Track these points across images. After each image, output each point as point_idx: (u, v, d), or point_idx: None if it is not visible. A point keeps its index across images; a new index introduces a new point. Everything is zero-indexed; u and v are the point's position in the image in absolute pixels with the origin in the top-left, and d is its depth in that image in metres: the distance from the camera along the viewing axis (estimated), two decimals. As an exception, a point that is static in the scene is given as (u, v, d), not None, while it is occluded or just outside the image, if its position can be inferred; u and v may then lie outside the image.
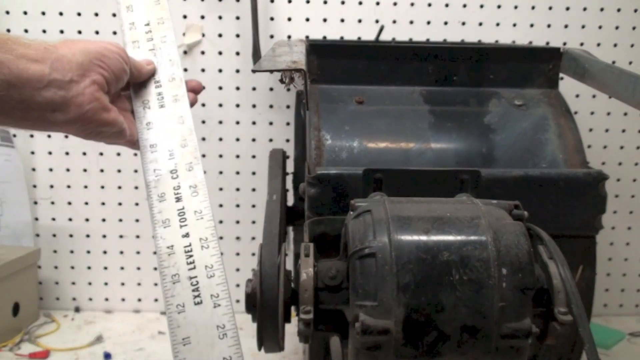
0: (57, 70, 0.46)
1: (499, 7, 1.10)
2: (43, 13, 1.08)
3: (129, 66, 0.53)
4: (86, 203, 1.16)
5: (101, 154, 1.14)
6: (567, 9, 1.10)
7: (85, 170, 1.15)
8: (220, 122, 1.13)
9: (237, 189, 1.16)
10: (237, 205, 1.16)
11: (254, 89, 1.12)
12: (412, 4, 1.09)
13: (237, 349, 0.43)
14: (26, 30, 1.09)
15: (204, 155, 1.14)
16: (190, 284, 0.45)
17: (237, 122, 1.13)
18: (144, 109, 0.54)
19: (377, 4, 1.09)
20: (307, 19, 1.09)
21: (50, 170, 1.15)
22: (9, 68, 0.43)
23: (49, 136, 1.13)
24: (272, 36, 1.10)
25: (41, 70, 0.45)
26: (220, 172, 1.15)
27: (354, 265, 0.48)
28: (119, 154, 1.13)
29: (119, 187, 1.15)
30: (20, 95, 0.45)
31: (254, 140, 1.14)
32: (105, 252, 1.19)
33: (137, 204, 1.16)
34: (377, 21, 1.09)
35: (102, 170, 1.15)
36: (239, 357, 0.43)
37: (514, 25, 1.11)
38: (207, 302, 0.44)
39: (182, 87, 0.56)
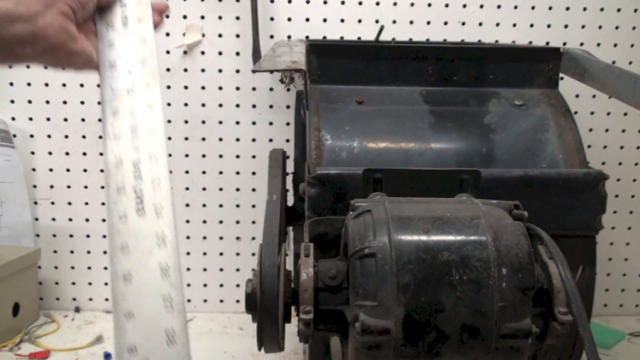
0: (22, 4, 0.46)
1: (499, 7, 1.10)
2: (43, 13, 1.08)
3: None
4: (86, 203, 1.16)
5: (101, 154, 1.14)
6: (567, 9, 1.10)
7: (85, 171, 1.15)
8: (220, 122, 1.13)
9: (237, 189, 1.16)
10: (237, 206, 1.16)
11: (254, 89, 1.12)
12: (412, 4, 1.09)
13: (175, 258, 0.42)
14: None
15: (203, 155, 1.14)
16: (135, 195, 0.44)
17: (237, 122, 1.13)
18: (107, 29, 0.53)
19: (377, 4, 1.09)
20: (307, 19, 1.09)
21: (50, 170, 1.15)
22: None
23: (49, 136, 1.13)
24: (272, 36, 1.10)
25: (6, 7, 0.45)
26: (221, 172, 1.15)
27: (354, 265, 0.48)
28: (119, 154, 1.13)
29: (119, 187, 1.15)
30: None
31: (254, 140, 1.14)
32: (105, 252, 1.19)
33: (137, 204, 1.16)
34: (377, 21, 1.09)
35: (102, 171, 1.14)
36: (176, 265, 0.42)
37: (514, 25, 1.11)
38: (150, 212, 0.43)
39: (147, 9, 0.54)
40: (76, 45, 0.49)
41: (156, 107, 0.48)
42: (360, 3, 1.09)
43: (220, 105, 1.13)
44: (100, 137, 1.13)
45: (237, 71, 1.11)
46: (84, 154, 1.14)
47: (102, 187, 1.19)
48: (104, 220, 1.18)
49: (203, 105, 1.13)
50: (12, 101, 1.12)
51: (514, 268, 0.46)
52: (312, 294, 0.50)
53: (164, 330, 0.41)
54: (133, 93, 0.49)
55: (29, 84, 1.11)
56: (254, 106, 1.13)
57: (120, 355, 0.41)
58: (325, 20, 1.10)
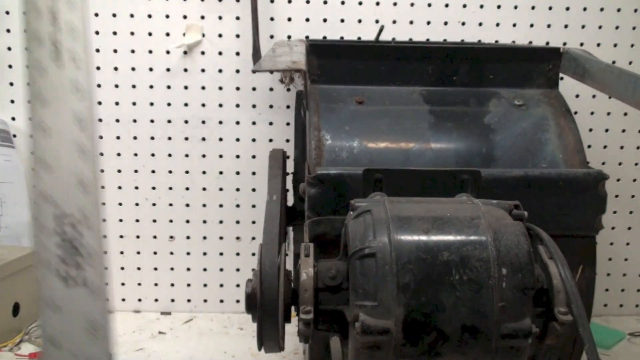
0: None
1: (499, 7, 1.10)
2: (43, 13, 1.08)
3: None
4: None
5: (101, 154, 1.14)
6: (567, 9, 1.10)
7: (85, 171, 1.15)
8: (220, 122, 1.13)
9: (237, 189, 1.16)
10: (237, 206, 1.16)
11: (254, 89, 1.12)
12: (412, 4, 1.09)
13: (91, 107, 0.41)
14: (26, 30, 1.09)
15: (203, 155, 1.14)
16: (54, 46, 0.43)
17: (237, 122, 1.13)
18: None
19: (377, 4, 1.09)
20: (307, 19, 1.09)
21: (50, 170, 1.15)
22: None
23: (49, 136, 1.13)
24: (272, 36, 1.10)
25: None
26: (221, 172, 1.15)
27: (354, 265, 0.48)
28: (119, 154, 1.13)
29: (119, 188, 1.15)
30: None
31: (254, 140, 1.14)
32: (105, 253, 1.19)
33: (137, 204, 1.16)
34: (377, 21, 1.09)
35: (102, 171, 1.14)
36: (90, 112, 0.41)
37: (514, 25, 1.11)
38: (67, 62, 0.42)
39: None
40: None
41: None
42: (360, 3, 1.09)
43: (220, 105, 1.13)
44: (101, 137, 1.13)
45: (237, 71, 1.11)
46: (84, 154, 1.14)
47: (102, 187, 1.20)
48: (104, 220, 1.18)
49: (203, 105, 1.13)
50: (12, 101, 1.12)
51: (514, 268, 0.46)
52: (312, 294, 0.50)
53: (77, 180, 0.41)
54: None
55: (29, 84, 1.11)
56: (254, 106, 1.13)
57: (38, 204, 0.41)
58: (325, 20, 1.10)
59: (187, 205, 1.15)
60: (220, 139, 1.14)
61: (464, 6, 1.10)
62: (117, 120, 1.13)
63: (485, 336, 0.46)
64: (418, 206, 0.52)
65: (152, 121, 1.13)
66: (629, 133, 1.15)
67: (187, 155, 1.14)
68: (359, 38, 1.10)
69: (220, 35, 1.10)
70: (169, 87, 1.12)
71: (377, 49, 0.83)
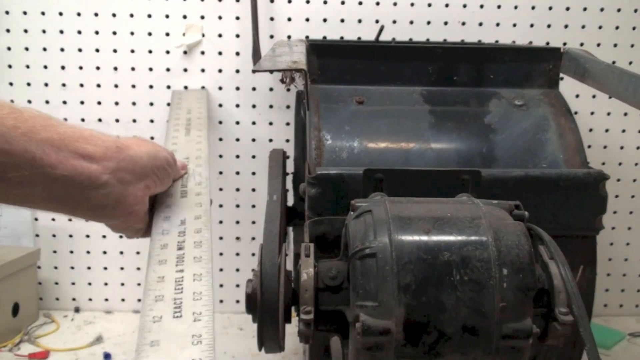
0: (120, 171, 0.47)
1: (499, 7, 1.10)
2: (43, 13, 1.08)
3: (172, 179, 0.57)
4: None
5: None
6: (567, 9, 1.10)
7: (85, 171, 1.15)
8: (220, 123, 1.13)
9: (237, 189, 1.16)
10: (237, 206, 1.16)
11: (254, 89, 1.12)
12: (412, 4, 1.09)
13: (210, 354, 0.41)
14: (26, 31, 1.09)
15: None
16: (174, 303, 0.44)
17: (237, 122, 1.13)
18: (167, 197, 0.58)
19: (377, 4, 1.09)
20: (307, 19, 1.09)
21: (50, 170, 1.15)
22: (64, 167, 0.43)
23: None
24: (272, 36, 1.10)
25: (102, 169, 0.46)
26: (220, 172, 1.15)
27: (355, 266, 0.48)
28: (118, 154, 1.13)
29: (119, 187, 1.15)
30: (78, 191, 0.45)
31: (254, 140, 1.14)
32: (105, 252, 1.19)
33: (137, 204, 1.16)
34: (377, 21, 1.09)
35: (102, 171, 1.14)
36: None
37: (514, 25, 1.11)
38: (187, 317, 0.43)
39: (206, 187, 0.61)
40: (145, 217, 0.53)
41: (205, 245, 0.51)
42: (360, 3, 1.09)
43: (220, 105, 1.13)
44: (100, 137, 1.13)
45: (237, 71, 1.11)
46: (84, 154, 1.14)
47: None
48: (103, 220, 1.18)
49: (203, 105, 1.13)
50: (12, 101, 1.11)
51: (514, 268, 0.46)
52: (313, 294, 0.50)
53: None
54: (184, 235, 0.52)
55: (28, 84, 1.11)
56: (254, 106, 1.13)
57: None
58: (325, 20, 1.10)
59: (187, 205, 1.15)
60: (221, 139, 1.14)
61: (464, 6, 1.10)
62: (117, 120, 1.13)
63: (486, 336, 0.46)
64: (419, 206, 0.52)
65: (152, 121, 1.13)
66: (629, 133, 1.15)
67: (187, 155, 1.14)
68: (359, 38, 1.10)
69: (220, 35, 1.10)
70: (169, 87, 1.12)
71: (377, 49, 0.83)
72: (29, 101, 1.11)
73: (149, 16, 1.09)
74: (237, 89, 1.12)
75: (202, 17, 1.09)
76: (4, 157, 0.40)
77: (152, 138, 1.13)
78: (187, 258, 0.49)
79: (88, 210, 0.47)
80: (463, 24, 1.10)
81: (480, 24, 1.11)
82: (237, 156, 1.14)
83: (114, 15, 1.08)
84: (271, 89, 1.12)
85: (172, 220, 0.54)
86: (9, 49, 1.09)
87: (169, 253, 0.50)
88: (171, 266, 0.48)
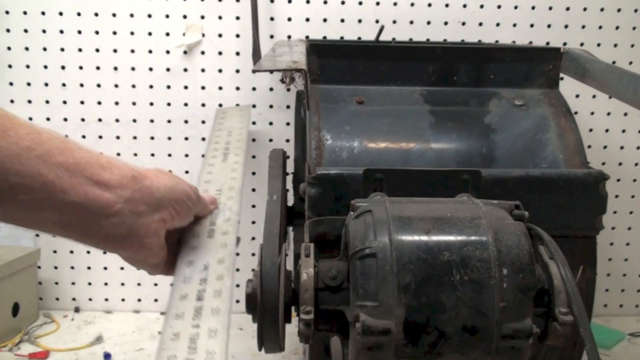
0: (134, 201, 0.46)
1: (499, 7, 1.10)
2: (43, 13, 1.08)
3: (195, 212, 0.55)
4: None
5: (101, 154, 1.14)
6: (567, 9, 1.10)
7: (85, 171, 1.15)
8: (220, 122, 1.13)
9: (237, 189, 1.15)
10: (237, 206, 1.16)
11: (254, 89, 1.12)
12: (412, 4, 1.09)
13: None
14: (26, 31, 1.09)
15: (204, 155, 1.14)
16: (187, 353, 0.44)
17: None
18: (192, 237, 0.56)
19: (377, 4, 1.09)
20: (307, 19, 1.09)
21: (50, 170, 1.15)
22: (76, 192, 0.42)
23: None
24: (272, 36, 1.10)
25: (115, 197, 0.45)
26: (220, 172, 1.15)
27: (355, 266, 0.48)
28: (119, 154, 1.13)
29: (119, 187, 1.15)
30: (89, 219, 0.44)
31: (254, 140, 1.14)
32: (105, 252, 1.19)
33: (137, 204, 1.16)
34: (377, 21, 1.09)
35: (102, 171, 1.14)
36: None
37: (514, 25, 1.11)
38: (201, 355, 0.43)
39: (234, 225, 0.60)
40: (159, 251, 0.51)
41: (224, 294, 0.50)
42: (360, 3, 1.09)
43: (220, 105, 1.13)
44: (101, 137, 1.13)
45: (237, 71, 1.11)
46: (84, 154, 1.14)
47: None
48: (103, 220, 1.18)
49: (203, 105, 1.13)
50: (12, 101, 1.12)
51: (514, 268, 0.46)
52: (313, 294, 0.50)
53: None
54: (205, 283, 0.51)
55: (28, 84, 1.11)
56: (254, 106, 1.13)
57: None
58: (325, 20, 1.10)
59: (187, 205, 1.15)
60: (220, 139, 1.14)
61: (464, 6, 1.10)
62: (117, 120, 1.13)
63: (486, 336, 0.46)
64: (419, 206, 0.52)
65: (152, 121, 1.13)
66: (629, 133, 1.15)
67: (187, 155, 1.14)
68: (359, 38, 1.10)
69: (220, 35, 1.10)
70: (168, 87, 1.12)
71: (377, 49, 0.83)
72: (29, 101, 1.11)
73: (149, 16, 1.09)
74: (237, 89, 1.12)
75: (202, 17, 1.09)
76: (17, 178, 0.39)
77: (152, 138, 1.13)
78: (205, 311, 0.48)
79: (98, 238, 0.46)
80: (463, 24, 1.10)
81: (480, 24, 1.11)
82: (237, 156, 1.14)
83: (114, 15, 1.08)
84: (271, 89, 1.12)
85: (195, 265, 0.53)
86: (9, 49, 1.09)
87: (187, 305, 0.49)
88: (188, 320, 0.47)
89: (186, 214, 0.53)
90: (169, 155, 1.14)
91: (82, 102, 1.12)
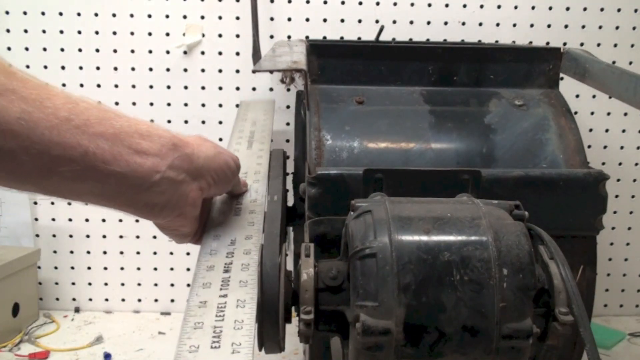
0: (175, 169, 0.46)
1: (499, 7, 1.10)
2: (43, 13, 1.08)
3: (232, 185, 0.55)
4: (86, 203, 1.16)
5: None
6: (567, 9, 1.10)
7: (85, 171, 1.15)
8: (220, 123, 1.13)
9: (237, 189, 1.15)
10: (237, 206, 1.16)
11: (254, 89, 1.12)
12: (412, 4, 1.09)
13: None
14: (26, 31, 1.09)
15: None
16: (213, 332, 0.43)
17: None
18: (219, 214, 0.57)
19: (377, 4, 1.09)
20: (307, 19, 1.09)
21: (50, 170, 1.15)
22: (117, 163, 0.42)
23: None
24: (272, 36, 1.10)
25: (155, 166, 0.44)
26: (220, 172, 1.14)
27: (355, 266, 0.48)
28: (118, 154, 1.13)
29: (119, 187, 1.15)
30: (131, 188, 0.44)
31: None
32: (105, 253, 1.19)
33: (137, 204, 1.16)
34: (377, 21, 1.09)
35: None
36: None
37: (514, 25, 1.11)
38: (226, 348, 0.41)
39: (261, 206, 0.60)
40: (194, 220, 0.51)
41: (252, 268, 0.50)
42: (360, 3, 1.09)
43: (220, 105, 1.13)
44: (100, 137, 1.13)
45: (237, 71, 1.11)
46: (84, 154, 1.14)
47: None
48: (104, 220, 1.18)
49: (203, 105, 1.13)
50: (12, 101, 1.11)
51: (514, 268, 0.46)
52: (313, 295, 0.50)
53: None
54: (232, 256, 0.51)
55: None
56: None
57: None
58: (325, 20, 1.10)
59: (187, 205, 1.15)
60: (221, 139, 1.14)
61: (464, 6, 1.10)
62: (117, 120, 1.13)
63: (486, 336, 0.46)
64: (419, 206, 0.52)
65: (152, 121, 1.13)
66: (629, 133, 1.15)
67: (187, 155, 1.14)
68: (359, 38, 1.10)
69: (220, 35, 1.10)
70: (168, 87, 1.12)
71: (377, 49, 0.83)
72: None
73: (149, 16, 1.09)
74: (237, 89, 1.12)
75: (202, 17, 1.09)
76: (56, 150, 0.39)
77: (152, 138, 1.13)
78: (233, 282, 0.48)
79: (138, 207, 0.46)
80: (463, 24, 1.10)
81: (480, 24, 1.11)
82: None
83: (114, 15, 1.08)
84: (271, 89, 1.12)
85: (221, 239, 0.53)
86: (9, 49, 1.09)
87: (214, 276, 0.48)
88: (215, 290, 0.47)
89: (224, 184, 0.53)
90: (169, 155, 1.14)
91: (82, 102, 1.12)
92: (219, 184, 0.52)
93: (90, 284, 1.20)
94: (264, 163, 0.69)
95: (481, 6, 1.10)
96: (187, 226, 0.51)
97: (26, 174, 0.39)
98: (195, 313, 0.44)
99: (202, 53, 1.11)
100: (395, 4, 1.09)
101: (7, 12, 1.08)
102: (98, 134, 0.41)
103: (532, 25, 1.11)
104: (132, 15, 1.09)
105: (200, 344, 0.41)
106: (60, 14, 1.08)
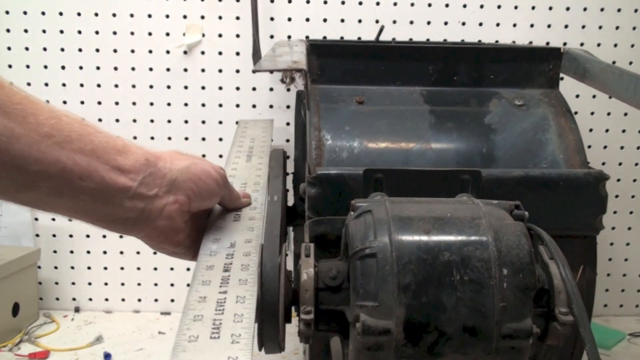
0: (146, 185, 0.46)
1: (499, 7, 1.10)
2: (43, 13, 1.08)
3: (222, 194, 0.55)
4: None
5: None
6: (567, 9, 1.10)
7: (85, 171, 1.15)
8: (220, 122, 1.13)
9: (237, 189, 1.15)
10: (237, 206, 1.16)
11: (254, 89, 1.12)
12: (412, 4, 1.09)
13: None
14: (26, 31, 1.09)
15: (204, 155, 1.14)
16: (212, 324, 0.43)
17: (237, 123, 1.13)
18: (218, 219, 0.57)
19: (377, 4, 1.09)
20: (307, 19, 1.09)
21: (50, 170, 1.15)
22: (92, 179, 0.43)
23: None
24: (272, 36, 1.10)
25: (127, 182, 0.45)
26: (220, 172, 1.15)
27: (355, 266, 0.48)
28: (118, 154, 1.13)
29: (119, 187, 1.15)
30: (104, 204, 0.45)
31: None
32: (105, 252, 1.19)
33: (137, 204, 1.16)
34: (377, 21, 1.09)
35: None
36: None
37: (514, 25, 1.11)
38: (225, 338, 0.42)
39: (261, 212, 0.60)
40: (175, 236, 0.51)
41: (252, 269, 0.50)
42: (360, 3, 1.09)
43: (220, 105, 1.13)
44: (100, 137, 1.13)
45: (237, 71, 1.11)
46: (84, 154, 1.14)
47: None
48: (103, 220, 1.18)
49: (203, 105, 1.13)
50: (12, 101, 1.11)
51: (514, 268, 0.46)
52: (313, 294, 0.50)
53: None
54: (232, 257, 0.51)
55: (28, 84, 1.11)
56: (254, 106, 1.13)
57: None
58: (325, 20, 1.10)
59: (187, 205, 1.15)
60: (220, 139, 1.14)
61: (464, 6, 1.10)
62: (117, 120, 1.13)
63: (486, 336, 0.46)
64: (419, 206, 0.52)
65: (152, 121, 1.13)
66: (629, 133, 1.15)
67: (187, 155, 1.14)
68: (359, 38, 1.10)
69: (220, 35, 1.10)
70: (168, 87, 1.12)
71: (377, 49, 0.83)
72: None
73: (149, 16, 1.09)
74: (237, 89, 1.12)
75: (202, 17, 1.09)
76: (36, 166, 0.39)
77: (152, 138, 1.13)
78: (233, 280, 0.48)
79: (112, 222, 0.47)
80: (463, 24, 1.10)
81: (480, 24, 1.11)
82: (237, 156, 1.14)
83: (114, 15, 1.08)
84: (271, 89, 1.12)
85: (221, 242, 0.53)
86: (9, 49, 1.10)
87: (214, 274, 0.49)
88: (215, 287, 0.47)
89: (208, 193, 0.53)
90: (169, 155, 1.14)
91: (82, 102, 1.12)
92: (201, 194, 0.51)
93: (90, 283, 1.20)
94: (263, 175, 0.70)
95: (481, 6, 1.10)
96: (167, 241, 0.51)
97: (3, 188, 0.40)
98: (194, 307, 0.45)
99: (202, 53, 1.11)
100: (395, 4, 1.09)
101: (7, 12, 1.08)
102: (77, 149, 0.42)
103: (532, 25, 1.11)
104: (132, 15, 1.09)
105: (199, 334, 0.42)
106: (60, 14, 1.08)
